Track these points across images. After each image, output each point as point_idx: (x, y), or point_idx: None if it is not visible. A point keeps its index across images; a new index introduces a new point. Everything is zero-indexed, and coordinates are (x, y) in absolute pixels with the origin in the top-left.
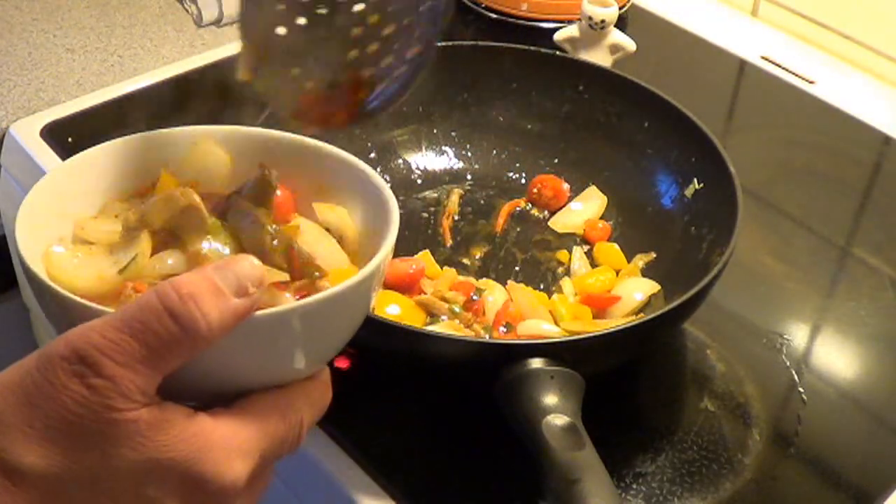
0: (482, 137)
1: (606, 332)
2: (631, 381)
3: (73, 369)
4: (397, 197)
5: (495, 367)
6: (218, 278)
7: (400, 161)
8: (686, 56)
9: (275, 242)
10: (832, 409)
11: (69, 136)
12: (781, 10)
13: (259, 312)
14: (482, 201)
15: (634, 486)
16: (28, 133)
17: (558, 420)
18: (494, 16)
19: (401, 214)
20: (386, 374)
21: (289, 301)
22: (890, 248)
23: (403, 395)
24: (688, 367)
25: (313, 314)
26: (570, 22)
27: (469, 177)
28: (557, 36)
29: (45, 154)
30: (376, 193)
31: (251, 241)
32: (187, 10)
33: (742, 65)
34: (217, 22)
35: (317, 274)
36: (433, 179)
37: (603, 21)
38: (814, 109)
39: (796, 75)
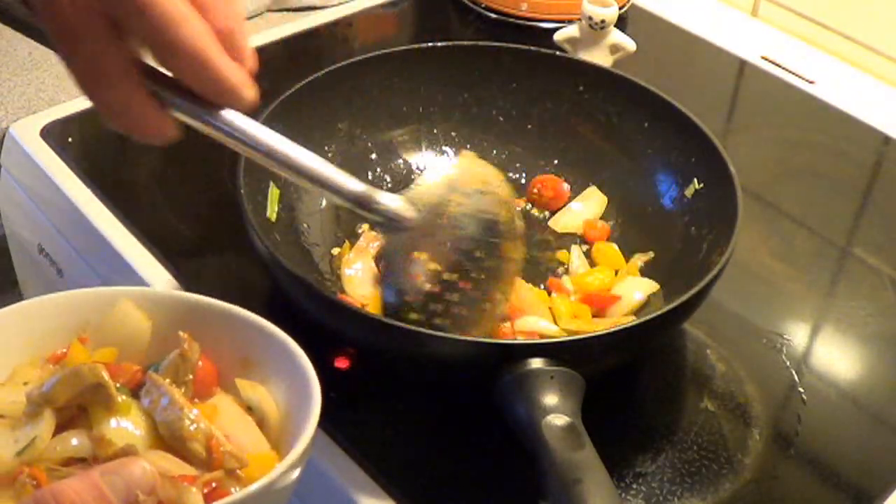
0: (482, 137)
1: (606, 332)
2: (631, 381)
3: None
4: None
5: (495, 366)
6: (105, 486)
7: (400, 161)
8: (686, 56)
9: (192, 428)
10: (832, 409)
11: (69, 136)
12: (781, 10)
13: None
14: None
15: (634, 486)
16: (28, 133)
17: (558, 420)
18: (494, 16)
19: None
20: (386, 374)
21: (195, 497)
22: (890, 248)
23: (403, 395)
24: (688, 367)
25: None
26: (570, 22)
27: None
28: (557, 36)
29: (45, 154)
30: (302, 375)
31: (166, 425)
32: None
33: (742, 65)
34: None
35: (236, 464)
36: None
37: (603, 21)
38: (814, 109)
39: (796, 75)
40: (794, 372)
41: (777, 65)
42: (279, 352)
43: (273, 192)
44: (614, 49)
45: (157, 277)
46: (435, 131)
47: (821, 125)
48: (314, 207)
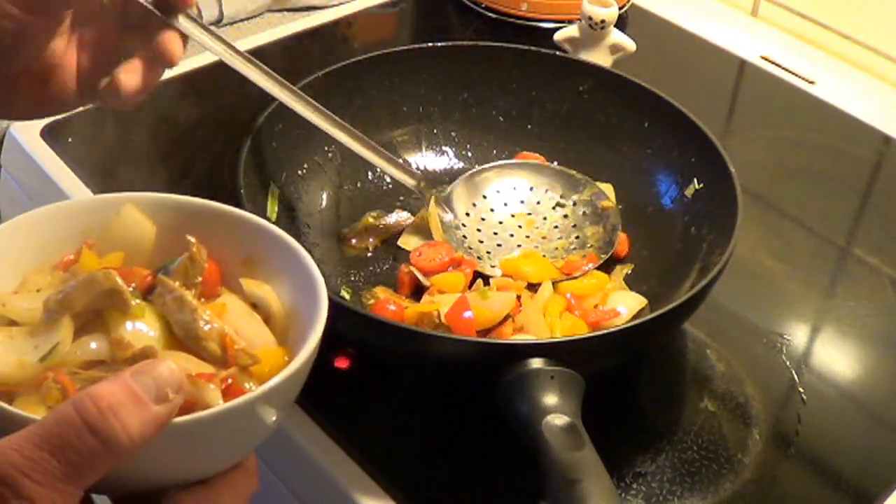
0: (482, 137)
1: (607, 332)
2: (631, 381)
3: None
4: (398, 198)
5: (496, 367)
6: (137, 386)
7: (400, 161)
8: (686, 56)
9: (206, 328)
10: (832, 409)
11: (69, 136)
12: (781, 10)
13: (181, 419)
14: (431, 184)
15: (634, 486)
16: (28, 133)
17: (558, 420)
18: (494, 16)
19: (404, 216)
20: (386, 374)
21: (214, 394)
22: (890, 248)
23: (403, 395)
24: (688, 367)
25: (238, 415)
26: (570, 22)
27: None
28: (557, 36)
29: (45, 154)
30: (305, 272)
31: (181, 325)
32: None
33: (742, 65)
34: (217, 22)
35: (249, 361)
36: (433, 179)
37: (603, 21)
38: (814, 109)
39: (796, 75)
40: (794, 372)
41: (777, 65)
42: (281, 251)
43: (273, 192)
44: (614, 49)
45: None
46: (435, 131)
47: (821, 125)
48: (314, 207)
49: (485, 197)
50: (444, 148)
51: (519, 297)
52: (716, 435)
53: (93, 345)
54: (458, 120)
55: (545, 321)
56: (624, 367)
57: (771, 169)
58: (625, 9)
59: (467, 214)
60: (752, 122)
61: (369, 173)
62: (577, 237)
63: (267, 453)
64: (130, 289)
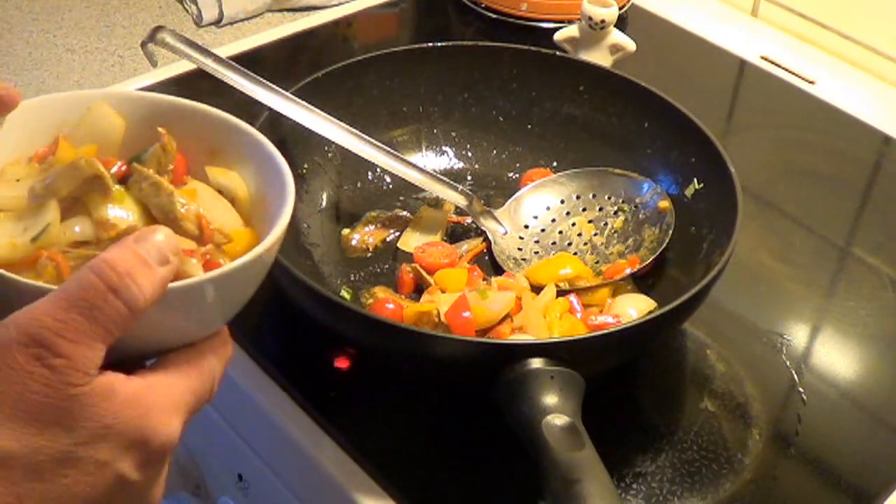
0: (482, 137)
1: (607, 332)
2: (631, 381)
3: (32, 352)
4: (398, 198)
5: (495, 366)
6: (143, 251)
7: (446, 179)
8: (686, 56)
9: (183, 210)
10: (832, 409)
11: None
12: (781, 10)
13: (178, 283)
14: (481, 200)
15: (634, 486)
16: None
17: (558, 420)
18: (494, 16)
19: (404, 216)
20: (386, 374)
21: (196, 267)
22: (890, 248)
23: (403, 395)
24: (688, 367)
25: (227, 280)
26: (570, 22)
27: (469, 177)
28: (557, 36)
29: None
30: (267, 157)
31: (160, 208)
32: (187, 10)
33: (742, 65)
34: (217, 22)
35: (223, 239)
36: (483, 195)
37: (603, 21)
38: (814, 109)
39: (796, 75)
40: (794, 372)
41: (777, 65)
42: (244, 141)
43: None
44: (614, 49)
45: None
46: (435, 131)
47: (821, 125)
48: (314, 208)
49: (548, 208)
50: (444, 148)
51: (520, 298)
52: (716, 435)
53: (77, 228)
54: (458, 120)
55: (544, 322)
56: (624, 367)
57: (771, 169)
58: (625, 9)
59: (525, 227)
60: (752, 122)
61: (369, 173)
62: (634, 240)
63: (267, 453)
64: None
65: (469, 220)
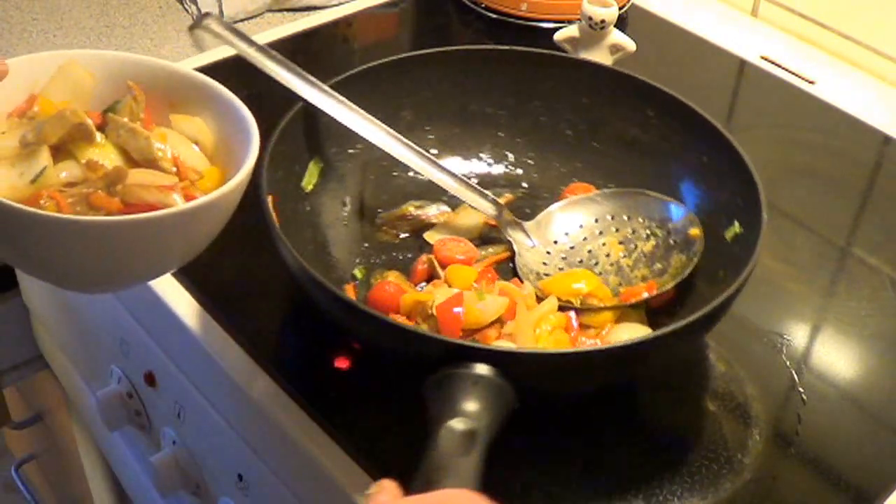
0: (545, 147)
1: (536, 352)
2: (630, 381)
3: None
4: (444, 192)
5: (425, 362)
6: None
7: (458, 158)
8: (686, 56)
9: (159, 152)
10: (832, 409)
11: None
12: (781, 10)
13: (171, 209)
14: (528, 210)
15: (634, 487)
16: None
17: (461, 425)
18: (494, 16)
19: (443, 210)
20: (386, 375)
21: (178, 199)
22: (890, 248)
23: (403, 395)
24: (688, 366)
25: (208, 208)
26: (570, 22)
27: (524, 184)
28: (557, 36)
29: None
30: (227, 105)
31: (139, 151)
32: (187, 10)
33: (742, 65)
34: None
35: (196, 176)
36: (489, 183)
37: (603, 21)
38: (814, 109)
39: (796, 75)
40: (794, 372)
41: (777, 65)
42: (202, 92)
43: (316, 163)
44: (614, 49)
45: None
46: (500, 134)
47: (821, 125)
48: (357, 188)
49: (581, 226)
50: (505, 152)
51: (515, 305)
52: (716, 435)
53: (65, 172)
54: (525, 127)
55: (533, 333)
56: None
57: (771, 169)
58: (625, 9)
59: (554, 242)
60: (752, 123)
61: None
62: (661, 265)
63: (267, 453)
64: None
65: None
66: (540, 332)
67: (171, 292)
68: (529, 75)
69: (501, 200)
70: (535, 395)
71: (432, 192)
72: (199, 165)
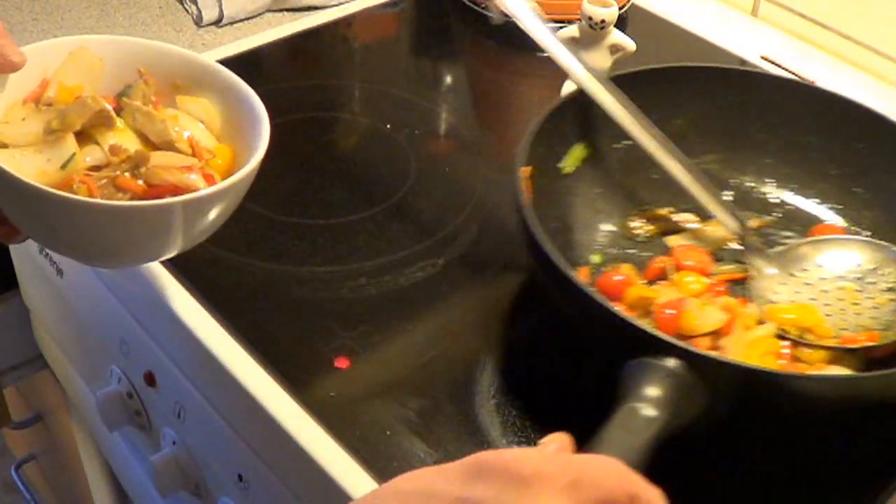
0: (809, 183)
1: (753, 368)
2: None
3: None
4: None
5: (626, 347)
6: None
7: (725, 200)
8: (686, 56)
9: (175, 134)
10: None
11: None
12: (781, 10)
13: (200, 192)
14: (773, 237)
15: None
16: None
17: (642, 408)
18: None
19: (689, 218)
20: (386, 375)
21: (197, 180)
22: None
23: (403, 395)
24: None
25: (230, 191)
26: (569, 22)
27: (778, 213)
28: (557, 36)
29: None
30: (230, 86)
31: (156, 134)
32: (187, 10)
33: (742, 65)
34: (217, 22)
35: (210, 156)
36: (743, 204)
37: (603, 21)
38: None
39: (796, 75)
40: None
41: (777, 65)
42: (205, 73)
43: (579, 148)
44: (614, 49)
45: (161, 280)
46: (767, 161)
47: None
48: (617, 179)
49: (820, 265)
50: (766, 179)
51: (733, 322)
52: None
53: (89, 158)
54: (794, 159)
55: (744, 352)
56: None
57: None
58: (625, 9)
59: (791, 275)
60: None
61: None
62: (891, 319)
63: (267, 453)
64: None
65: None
66: (750, 353)
67: (172, 292)
68: (811, 110)
69: (751, 223)
70: (730, 408)
71: (684, 200)
72: (209, 145)
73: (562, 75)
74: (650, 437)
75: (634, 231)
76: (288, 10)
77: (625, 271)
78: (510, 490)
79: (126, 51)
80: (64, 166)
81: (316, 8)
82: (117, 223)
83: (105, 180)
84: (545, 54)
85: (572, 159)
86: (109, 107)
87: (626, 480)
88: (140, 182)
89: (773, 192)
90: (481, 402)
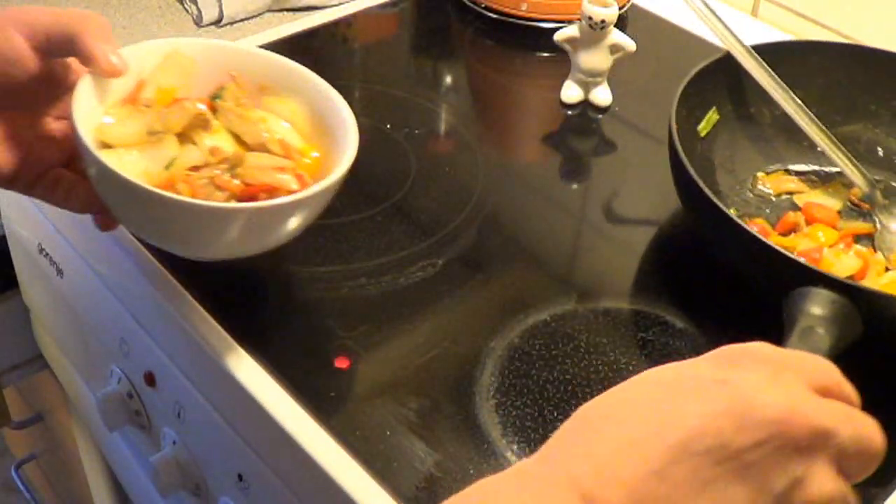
0: None
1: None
2: None
3: None
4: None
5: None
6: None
7: (853, 160)
8: (686, 56)
9: (266, 135)
10: None
11: None
12: (781, 9)
13: (303, 193)
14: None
15: None
16: None
17: (817, 328)
18: (494, 16)
19: (814, 181)
20: (386, 375)
21: (291, 180)
22: None
23: (403, 395)
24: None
25: (322, 195)
26: (570, 22)
27: (880, 178)
28: (557, 36)
29: None
30: (317, 88)
31: (250, 135)
32: (187, 10)
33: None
34: (217, 22)
35: (300, 156)
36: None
37: (603, 21)
38: None
39: None
40: None
41: None
42: (291, 75)
43: (714, 113)
44: (614, 49)
45: (159, 280)
46: (877, 130)
47: None
48: (741, 143)
49: None
50: (877, 148)
51: (866, 268)
52: None
53: (188, 158)
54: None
55: (880, 287)
56: (627, 369)
57: None
58: (625, 9)
59: None
60: None
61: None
62: None
63: (267, 453)
64: None
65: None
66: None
67: (172, 292)
68: None
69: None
70: (882, 335)
71: (806, 163)
72: (298, 145)
73: (562, 75)
74: (826, 352)
75: (763, 191)
76: (288, 10)
77: (759, 223)
78: (764, 371)
79: (216, 53)
80: (167, 167)
81: (316, 8)
82: (219, 222)
83: (205, 180)
84: (545, 54)
85: (707, 123)
86: (206, 109)
87: (835, 372)
88: (236, 182)
89: (882, 161)
90: (481, 402)
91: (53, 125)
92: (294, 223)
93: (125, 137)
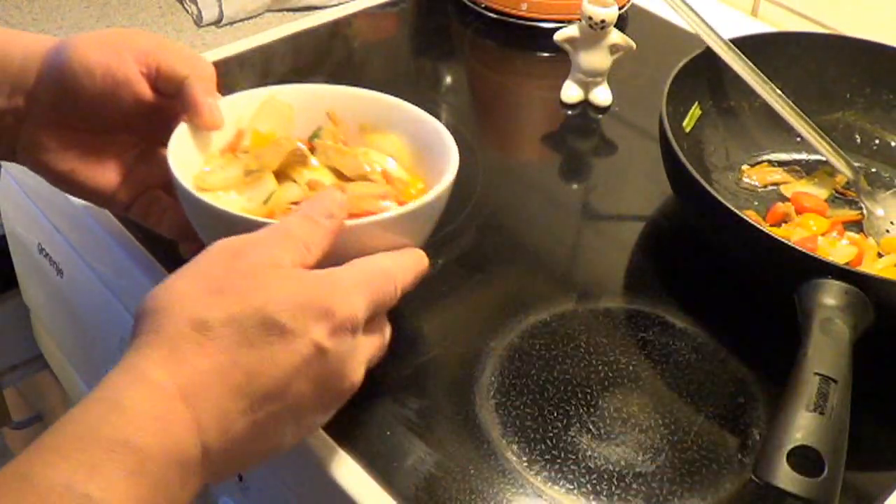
0: (892, 139)
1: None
2: (631, 381)
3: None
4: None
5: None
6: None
7: (837, 148)
8: (686, 56)
9: (367, 168)
10: None
11: None
12: (781, 9)
13: (393, 212)
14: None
15: (634, 486)
16: None
17: (836, 319)
18: (494, 16)
19: (797, 171)
20: (385, 374)
21: (392, 206)
22: None
23: (403, 395)
24: (689, 366)
25: (422, 211)
26: (569, 22)
27: (860, 165)
28: (557, 36)
29: None
30: (419, 122)
31: (350, 168)
32: (187, 10)
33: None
34: (217, 22)
35: (402, 185)
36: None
37: (603, 21)
38: None
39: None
40: None
41: None
42: (395, 114)
43: (697, 108)
44: (614, 49)
45: (159, 280)
46: (851, 120)
47: None
48: (723, 135)
49: None
50: (855, 136)
51: (862, 255)
52: (716, 435)
53: (289, 193)
54: (877, 117)
55: (877, 273)
56: (624, 369)
57: None
58: (625, 9)
59: None
60: None
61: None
62: None
63: None
64: None
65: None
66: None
67: None
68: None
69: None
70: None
71: (788, 154)
72: (402, 176)
73: (562, 75)
74: (848, 342)
75: (749, 183)
76: (288, 10)
77: (749, 215)
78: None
79: (312, 97)
80: (266, 201)
81: (316, 8)
82: None
83: None
84: (545, 54)
85: (690, 119)
86: (302, 145)
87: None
88: None
89: (859, 147)
90: (481, 402)
91: (156, 149)
92: (386, 243)
93: (223, 182)
